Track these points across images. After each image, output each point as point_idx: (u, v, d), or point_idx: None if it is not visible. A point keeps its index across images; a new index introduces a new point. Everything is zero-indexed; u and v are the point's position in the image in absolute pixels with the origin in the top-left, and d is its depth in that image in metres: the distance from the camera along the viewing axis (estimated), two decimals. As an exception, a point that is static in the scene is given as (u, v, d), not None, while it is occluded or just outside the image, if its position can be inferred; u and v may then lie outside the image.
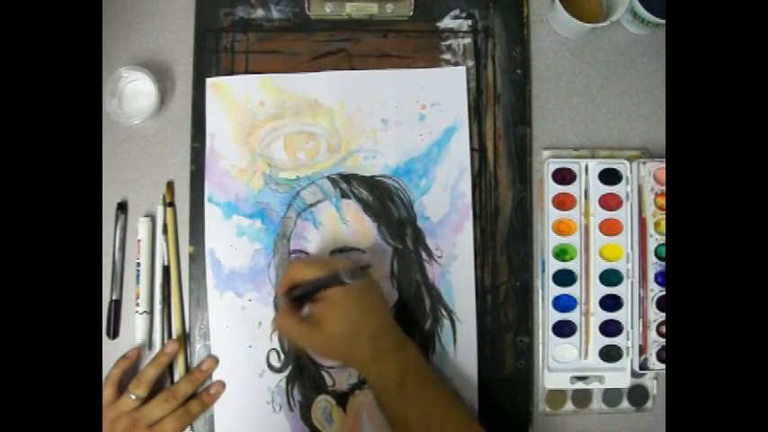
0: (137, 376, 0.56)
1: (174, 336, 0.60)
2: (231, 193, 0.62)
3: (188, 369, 0.60)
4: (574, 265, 0.62)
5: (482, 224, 0.63)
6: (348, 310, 0.52)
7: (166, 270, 0.61)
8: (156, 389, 0.57)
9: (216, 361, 0.60)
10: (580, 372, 0.62)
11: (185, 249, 0.62)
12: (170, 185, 0.62)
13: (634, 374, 0.62)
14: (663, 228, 0.61)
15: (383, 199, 0.62)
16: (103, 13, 0.63)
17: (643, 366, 0.61)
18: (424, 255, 0.62)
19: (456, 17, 0.65)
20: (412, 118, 0.63)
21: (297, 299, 0.55)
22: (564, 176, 0.63)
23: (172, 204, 0.62)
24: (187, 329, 0.61)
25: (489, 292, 0.62)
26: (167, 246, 0.61)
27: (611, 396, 0.63)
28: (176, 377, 0.60)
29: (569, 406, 0.63)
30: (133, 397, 0.55)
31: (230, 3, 0.64)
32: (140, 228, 0.61)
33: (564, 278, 0.62)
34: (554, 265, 0.62)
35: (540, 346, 0.62)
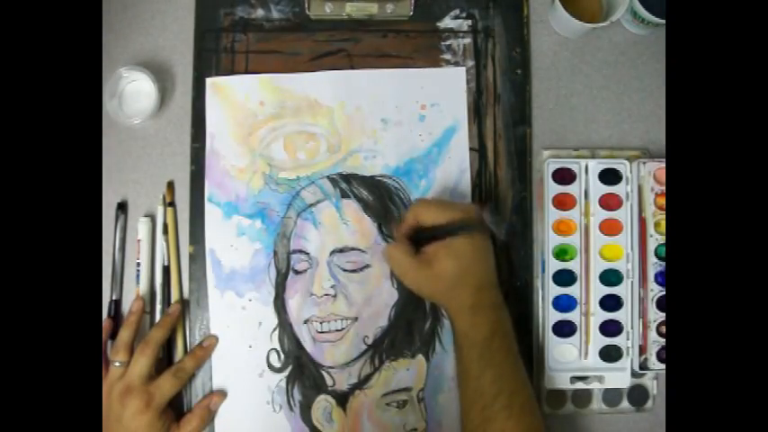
0: (114, 344, 0.57)
1: (177, 339, 0.60)
2: (231, 193, 0.62)
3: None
4: (574, 265, 0.62)
5: (482, 224, 0.63)
6: (463, 254, 0.53)
7: (166, 270, 0.61)
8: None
9: (216, 338, 0.60)
10: (580, 372, 0.62)
11: (185, 249, 0.62)
12: (170, 185, 0.62)
13: (634, 374, 0.62)
14: (663, 228, 0.61)
15: (383, 199, 0.62)
16: (104, 13, 0.63)
17: (643, 366, 0.61)
18: (424, 255, 0.62)
19: (456, 17, 0.65)
20: (412, 118, 0.63)
21: (417, 240, 0.55)
22: (564, 176, 0.63)
23: (172, 204, 0.62)
24: (187, 329, 0.61)
25: (489, 292, 0.62)
26: (167, 246, 0.61)
27: (611, 396, 0.63)
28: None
29: (569, 406, 0.63)
30: (117, 364, 0.55)
31: (230, 3, 0.64)
32: (140, 228, 0.61)
33: (564, 278, 0.62)
34: (554, 265, 0.62)
35: (540, 346, 0.62)
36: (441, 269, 0.53)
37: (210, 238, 0.61)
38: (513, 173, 0.64)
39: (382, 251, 0.59)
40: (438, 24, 0.65)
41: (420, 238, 0.55)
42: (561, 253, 0.62)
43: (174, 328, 0.59)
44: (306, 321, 0.61)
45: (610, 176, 0.63)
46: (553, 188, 0.62)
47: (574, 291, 0.62)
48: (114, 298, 0.60)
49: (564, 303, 0.62)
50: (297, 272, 0.61)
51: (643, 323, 0.61)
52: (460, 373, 0.55)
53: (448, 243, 0.53)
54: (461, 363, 0.54)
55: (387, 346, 0.61)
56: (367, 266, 0.61)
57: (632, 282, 0.62)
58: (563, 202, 0.63)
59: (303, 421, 0.60)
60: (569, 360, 0.62)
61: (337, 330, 0.61)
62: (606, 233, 0.62)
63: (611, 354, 0.62)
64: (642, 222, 0.62)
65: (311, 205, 0.62)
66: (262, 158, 0.62)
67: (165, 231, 0.61)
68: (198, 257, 0.61)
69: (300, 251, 0.61)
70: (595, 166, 0.63)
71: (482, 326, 0.53)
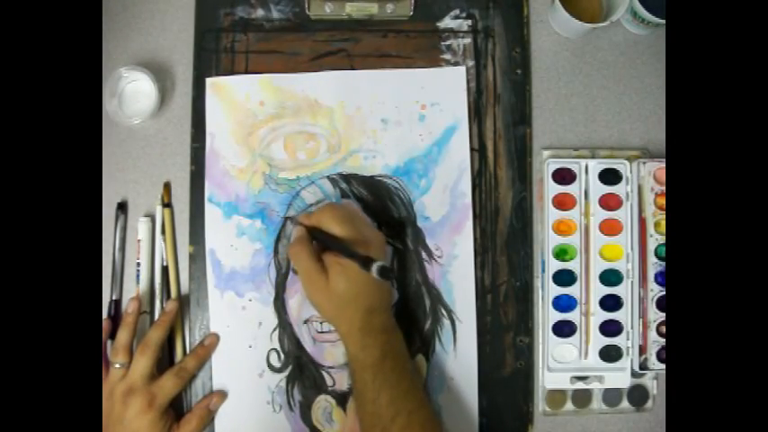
0: (113, 346, 0.57)
1: (177, 339, 0.60)
2: (231, 193, 0.62)
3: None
4: (574, 265, 0.62)
5: (482, 224, 0.63)
6: (355, 279, 0.52)
7: (166, 270, 0.61)
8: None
9: (217, 337, 0.60)
10: (580, 372, 0.62)
11: (185, 249, 0.62)
12: (167, 186, 0.62)
13: (634, 374, 0.62)
14: (663, 228, 0.61)
15: (383, 199, 0.62)
16: (103, 13, 0.63)
17: (643, 366, 0.61)
18: (424, 254, 0.62)
19: (456, 17, 0.65)
20: (412, 118, 0.63)
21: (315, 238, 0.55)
22: (564, 176, 0.63)
23: (169, 205, 0.62)
24: (187, 329, 0.61)
25: (489, 292, 0.62)
26: (166, 246, 0.61)
27: (611, 396, 0.63)
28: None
29: (569, 406, 0.63)
30: (117, 365, 0.55)
31: (230, 3, 0.64)
32: (140, 228, 0.61)
33: (564, 278, 0.62)
34: (554, 265, 0.62)
35: (540, 346, 0.62)
36: (334, 286, 0.52)
37: (210, 238, 0.61)
38: (513, 173, 0.64)
39: (289, 247, 0.57)
40: (438, 24, 0.65)
41: (318, 240, 0.54)
42: (561, 253, 0.62)
43: (172, 325, 0.59)
44: (306, 321, 0.61)
45: (610, 176, 0.63)
46: (553, 188, 0.62)
47: (574, 291, 0.62)
48: (114, 298, 0.60)
49: (564, 303, 0.62)
50: (297, 272, 0.61)
51: (643, 323, 0.61)
52: (357, 397, 0.55)
53: (343, 262, 0.51)
54: (356, 386, 0.54)
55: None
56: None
57: (632, 282, 0.62)
58: (563, 202, 0.63)
59: (303, 421, 0.60)
60: (569, 360, 0.62)
61: (337, 330, 0.61)
62: (606, 233, 0.62)
63: (611, 354, 0.62)
64: (642, 222, 0.62)
65: (311, 205, 0.62)
66: (262, 158, 0.62)
67: (164, 232, 0.61)
68: (198, 257, 0.61)
69: (300, 251, 0.61)
70: (595, 166, 0.63)
71: (373, 348, 0.52)
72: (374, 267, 0.48)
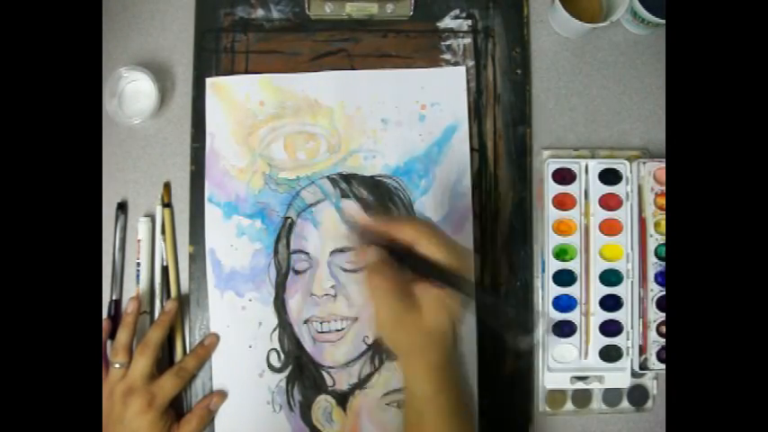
0: (113, 346, 0.57)
1: (177, 339, 0.60)
2: (231, 193, 0.62)
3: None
4: (574, 265, 0.62)
5: (482, 224, 0.63)
6: (454, 314, 0.45)
7: (166, 270, 0.61)
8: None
9: (217, 337, 0.60)
10: (580, 372, 0.62)
11: (185, 249, 0.62)
12: (167, 186, 0.62)
13: (634, 374, 0.62)
14: (663, 228, 0.61)
15: (383, 199, 0.62)
16: (103, 13, 0.63)
17: (643, 366, 0.61)
18: (424, 255, 0.62)
19: (456, 17, 0.65)
20: (412, 118, 0.63)
21: (404, 264, 0.45)
22: (564, 176, 0.63)
23: (169, 205, 0.62)
24: (187, 329, 0.61)
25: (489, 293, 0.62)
26: (166, 246, 0.61)
27: (611, 396, 0.63)
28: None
29: (569, 406, 0.63)
30: (117, 365, 0.55)
31: (230, 3, 0.64)
32: (140, 228, 0.61)
33: (564, 278, 0.62)
34: (554, 265, 0.62)
35: (540, 346, 0.62)
36: (429, 322, 0.44)
37: (210, 238, 0.61)
38: (513, 173, 0.64)
39: (368, 274, 0.46)
40: (438, 24, 0.65)
41: (408, 264, 0.45)
42: (561, 253, 0.62)
43: (172, 325, 0.59)
44: (306, 321, 0.61)
45: (610, 176, 0.63)
46: (553, 188, 0.62)
47: (574, 291, 0.62)
48: (114, 298, 0.60)
49: (564, 303, 0.62)
50: (297, 272, 0.61)
51: (643, 323, 0.61)
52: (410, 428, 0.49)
53: (443, 295, 0.44)
54: (411, 419, 0.48)
55: (387, 346, 0.61)
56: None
57: (632, 282, 0.62)
58: (563, 202, 0.63)
59: (303, 421, 0.60)
60: (569, 360, 0.62)
61: (337, 330, 0.61)
62: (606, 233, 0.62)
63: (611, 354, 0.62)
64: (642, 222, 0.62)
65: (311, 205, 0.62)
66: (262, 158, 0.62)
67: (164, 232, 0.61)
68: (198, 257, 0.61)
69: (300, 251, 0.61)
70: (595, 166, 0.63)
71: (448, 391, 0.46)
72: (473, 293, 0.42)
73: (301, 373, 0.60)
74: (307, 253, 0.61)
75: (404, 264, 0.45)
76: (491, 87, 0.64)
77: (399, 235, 0.45)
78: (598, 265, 0.62)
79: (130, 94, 0.63)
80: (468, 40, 0.65)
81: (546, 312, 0.62)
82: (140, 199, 0.62)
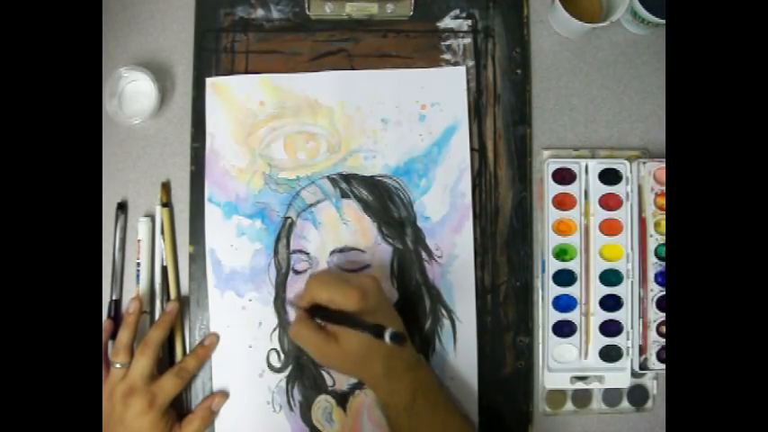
0: (114, 346, 0.57)
1: (177, 339, 0.60)
2: (231, 193, 0.62)
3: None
4: (574, 265, 0.62)
5: (482, 224, 0.63)
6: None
7: (166, 270, 0.61)
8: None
9: (217, 337, 0.60)
10: (580, 372, 0.62)
11: (185, 249, 0.62)
12: (165, 186, 0.62)
13: (634, 374, 0.62)
14: (663, 228, 0.61)
15: (383, 199, 0.62)
16: (103, 13, 0.63)
17: (643, 366, 0.61)
18: (424, 254, 0.62)
19: (456, 17, 0.65)
20: (412, 118, 0.63)
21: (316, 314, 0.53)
22: (564, 176, 0.63)
23: (167, 205, 0.62)
24: (187, 329, 0.61)
25: (489, 292, 0.62)
26: (165, 246, 0.61)
27: (611, 396, 0.63)
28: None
29: (569, 406, 0.63)
30: (118, 365, 0.55)
31: (230, 3, 0.64)
32: (140, 228, 0.61)
33: (564, 278, 0.62)
34: (554, 265, 0.62)
35: (540, 346, 0.62)
36: (346, 346, 0.51)
37: (210, 238, 0.61)
38: (513, 173, 0.64)
39: (290, 331, 0.54)
40: (438, 24, 0.65)
41: (320, 315, 0.52)
42: (561, 253, 0.62)
43: (172, 326, 0.59)
44: (306, 321, 0.61)
45: (610, 176, 0.63)
46: (553, 188, 0.63)
47: (574, 291, 0.62)
48: (114, 298, 0.60)
49: (564, 303, 0.62)
50: (297, 272, 0.61)
51: (643, 323, 0.61)
52: None
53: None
54: (392, 429, 0.55)
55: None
56: (367, 266, 0.61)
57: (632, 282, 0.62)
58: (563, 202, 0.63)
59: (303, 421, 0.60)
60: (569, 360, 0.62)
61: (337, 330, 0.61)
62: (606, 233, 0.62)
63: (611, 354, 0.62)
64: (642, 222, 0.62)
65: (311, 205, 0.62)
66: (262, 158, 0.62)
67: (164, 231, 0.61)
68: (198, 257, 0.61)
69: (300, 251, 0.61)
70: (595, 166, 0.63)
71: (401, 390, 0.53)
72: (387, 335, 0.46)
73: (301, 373, 0.60)
74: (307, 253, 0.61)
75: (322, 318, 0.52)
76: (491, 87, 0.64)
77: (305, 297, 0.53)
78: (598, 265, 0.62)
79: (130, 94, 0.63)
80: (468, 40, 0.65)
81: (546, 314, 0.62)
82: (140, 199, 0.62)
